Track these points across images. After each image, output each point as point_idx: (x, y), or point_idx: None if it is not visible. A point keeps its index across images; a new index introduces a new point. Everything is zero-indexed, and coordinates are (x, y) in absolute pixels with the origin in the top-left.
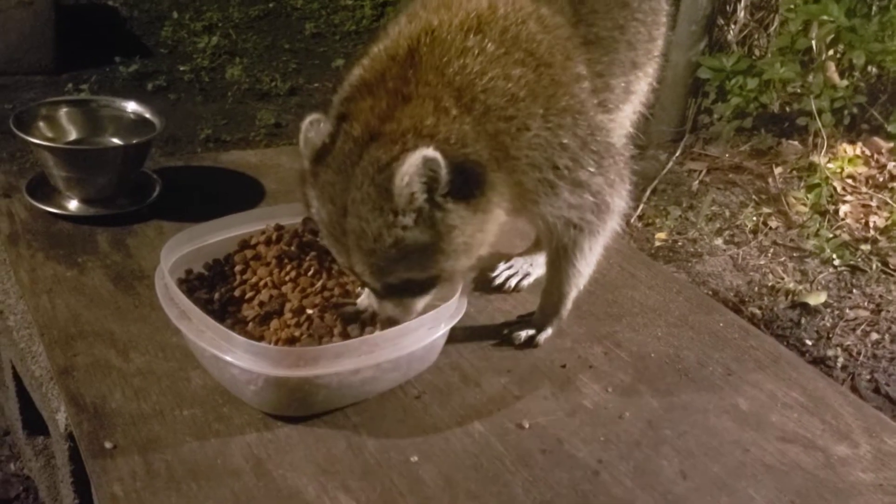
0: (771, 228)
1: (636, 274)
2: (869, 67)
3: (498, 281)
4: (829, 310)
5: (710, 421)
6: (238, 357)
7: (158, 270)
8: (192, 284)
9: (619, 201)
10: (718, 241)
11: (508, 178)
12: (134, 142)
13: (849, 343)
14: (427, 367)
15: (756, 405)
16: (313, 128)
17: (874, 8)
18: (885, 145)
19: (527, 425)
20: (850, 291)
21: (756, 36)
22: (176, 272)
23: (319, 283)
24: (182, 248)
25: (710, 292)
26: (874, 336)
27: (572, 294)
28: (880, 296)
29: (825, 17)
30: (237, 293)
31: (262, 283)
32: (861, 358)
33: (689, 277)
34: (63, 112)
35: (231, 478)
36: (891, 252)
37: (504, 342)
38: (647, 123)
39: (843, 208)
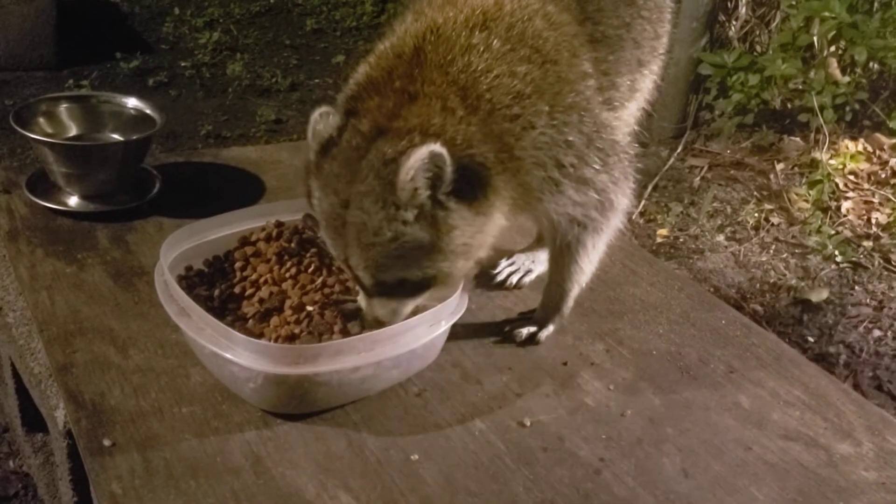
0: (773, 225)
1: (638, 271)
2: (871, 64)
3: (499, 277)
4: (830, 307)
5: (711, 419)
6: (237, 354)
7: (158, 267)
8: (191, 281)
9: (623, 199)
10: (720, 238)
11: (512, 180)
12: (134, 138)
13: (851, 340)
14: (428, 364)
15: (758, 403)
16: (322, 120)
17: (876, 4)
18: (887, 141)
19: (528, 423)
20: (853, 288)
21: (757, 32)
22: (176, 269)
23: (319, 280)
24: (182, 244)
25: (712, 289)
26: (876, 333)
27: (574, 291)
28: (882, 292)
29: (827, 14)
30: (237, 290)
31: (262, 280)
32: (863, 355)
33: (691, 274)
34: (63, 108)
35: (230, 476)
36: (893, 248)
37: (505, 339)
38: (650, 120)
39: (845, 205)
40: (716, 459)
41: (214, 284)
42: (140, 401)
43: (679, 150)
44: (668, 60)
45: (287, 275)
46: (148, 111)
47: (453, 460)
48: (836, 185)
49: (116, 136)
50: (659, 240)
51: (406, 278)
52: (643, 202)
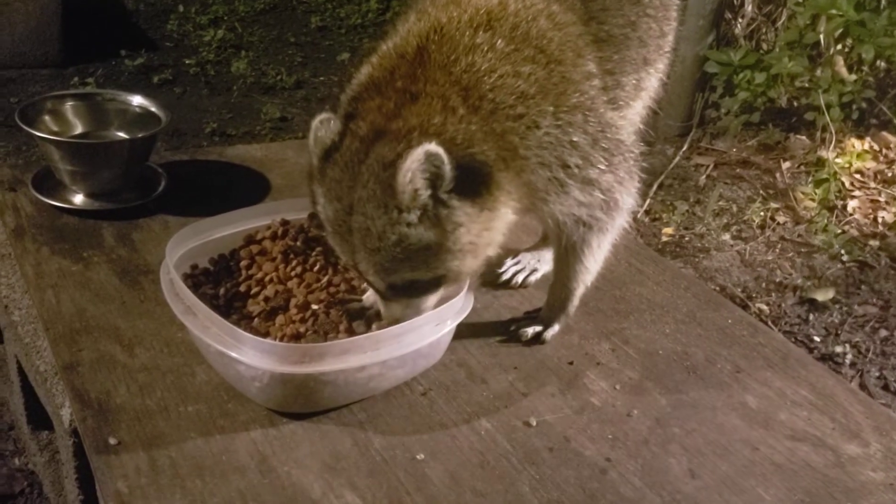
0: (778, 224)
1: (644, 270)
2: (878, 62)
3: (505, 277)
4: (837, 306)
5: (718, 419)
6: (243, 353)
7: (164, 265)
8: (197, 279)
9: (629, 198)
10: (726, 237)
11: (517, 178)
12: (139, 135)
13: (857, 340)
14: (433, 363)
15: (765, 403)
16: (323, 126)
17: (883, 2)
18: (894, 140)
19: (534, 423)
20: (859, 287)
21: (764, 30)
22: (181, 267)
23: (325, 279)
24: (187, 242)
25: (718, 288)
26: (883, 333)
27: (580, 291)
28: (889, 292)
29: (834, 11)
30: (242, 288)
31: (267, 279)
32: (870, 355)
33: (696, 273)
34: (68, 106)
35: (236, 474)
36: None
37: (511, 339)
38: (655, 118)
39: (852, 203)
40: (723, 460)
41: (220, 283)
42: (146, 399)
43: (685, 149)
44: (673, 58)
45: (293, 273)
46: (153, 109)
47: (459, 460)
48: (843, 183)
49: (122, 134)
50: (664, 238)
51: (416, 279)
52: (649, 201)
